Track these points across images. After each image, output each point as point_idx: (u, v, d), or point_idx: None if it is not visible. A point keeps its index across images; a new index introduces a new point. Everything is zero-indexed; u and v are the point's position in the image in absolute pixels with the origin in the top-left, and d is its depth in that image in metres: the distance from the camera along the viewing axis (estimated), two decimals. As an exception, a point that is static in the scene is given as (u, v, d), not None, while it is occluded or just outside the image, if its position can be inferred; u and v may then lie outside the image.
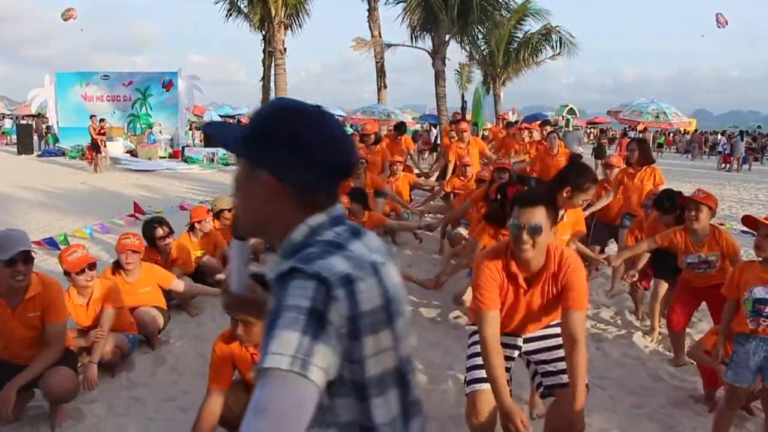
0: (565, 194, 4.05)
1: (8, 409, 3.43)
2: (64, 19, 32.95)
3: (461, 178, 8.43)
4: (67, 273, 4.39)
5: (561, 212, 4.25)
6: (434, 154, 24.62)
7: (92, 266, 4.44)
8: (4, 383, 3.52)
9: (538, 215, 2.84)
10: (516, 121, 14.18)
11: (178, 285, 5.43)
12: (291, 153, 1.27)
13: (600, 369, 4.76)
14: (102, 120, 20.16)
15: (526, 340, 3.28)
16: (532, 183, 4.94)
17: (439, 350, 5.12)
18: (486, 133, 15.75)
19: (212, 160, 22.12)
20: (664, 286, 5.41)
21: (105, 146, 19.86)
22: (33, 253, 3.59)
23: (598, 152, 21.97)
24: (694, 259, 4.63)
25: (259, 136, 1.29)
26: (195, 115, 35.96)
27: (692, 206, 4.51)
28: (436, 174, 12.06)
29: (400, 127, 12.48)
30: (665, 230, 5.30)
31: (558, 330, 3.14)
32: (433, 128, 28.07)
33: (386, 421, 1.29)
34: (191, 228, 6.63)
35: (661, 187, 6.26)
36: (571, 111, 49.81)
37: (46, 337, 3.67)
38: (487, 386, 2.98)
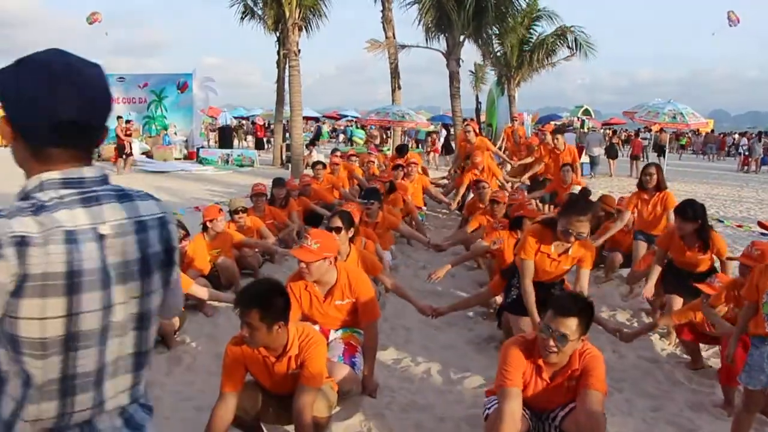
0: (562, 222, 4.24)
1: None
2: (89, 23, 33.47)
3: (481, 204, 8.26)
4: None
5: (568, 246, 4.46)
6: (446, 157, 24.59)
7: None
8: None
9: (570, 325, 3.00)
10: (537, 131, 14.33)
11: (196, 290, 5.43)
12: (9, 104, 1.37)
13: (616, 372, 4.72)
14: (128, 121, 20.20)
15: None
16: (558, 289, 4.87)
17: (454, 352, 5.11)
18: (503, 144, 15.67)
19: (227, 162, 22.20)
20: (678, 302, 5.32)
21: (131, 147, 19.93)
22: None
23: (610, 152, 21.86)
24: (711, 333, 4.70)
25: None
26: (209, 116, 36.11)
27: (705, 295, 4.49)
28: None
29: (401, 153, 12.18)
30: (678, 242, 5.40)
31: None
32: (444, 129, 28.03)
33: (41, 383, 1.33)
34: (204, 228, 6.65)
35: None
36: (587, 112, 49.51)
37: None
38: None
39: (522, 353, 3.16)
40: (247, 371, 3.29)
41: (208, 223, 6.59)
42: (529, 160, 11.44)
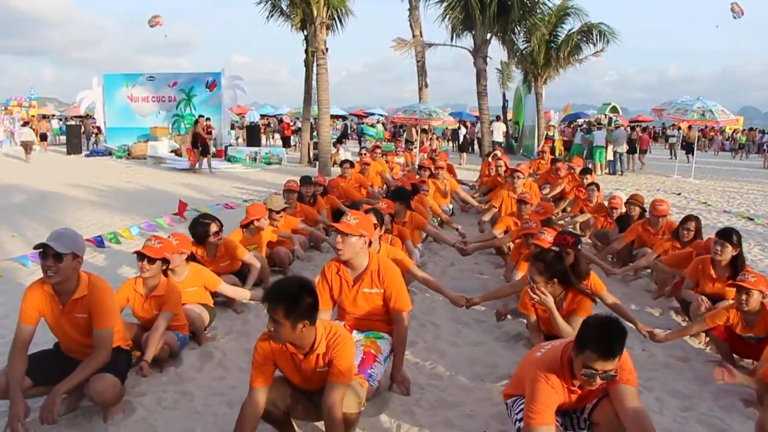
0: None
1: (53, 415, 3.47)
2: (151, 26, 34.58)
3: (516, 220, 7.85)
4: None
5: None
6: (463, 154, 24.49)
7: (151, 260, 4.58)
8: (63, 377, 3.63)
9: (615, 362, 2.92)
10: (559, 159, 14.19)
11: (225, 289, 5.51)
12: None
13: (646, 370, 4.69)
14: (209, 119, 20.42)
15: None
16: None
17: (483, 349, 5.11)
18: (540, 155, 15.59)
19: (255, 159, 22.38)
20: (706, 305, 5.30)
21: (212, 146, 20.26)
22: (64, 254, 3.58)
23: (631, 148, 21.64)
24: (744, 335, 4.67)
25: None
26: (237, 114, 36.38)
27: (743, 291, 4.49)
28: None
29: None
30: (708, 271, 5.46)
31: None
32: (463, 126, 27.86)
33: None
34: (247, 225, 6.78)
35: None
36: (614, 109, 49.07)
37: (94, 342, 3.74)
38: None
39: (554, 386, 3.05)
40: (276, 367, 3.32)
41: (255, 221, 6.73)
42: (558, 189, 11.32)
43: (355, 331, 4.22)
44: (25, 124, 29.38)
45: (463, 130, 26.87)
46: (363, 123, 35.64)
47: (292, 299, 3.04)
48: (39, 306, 3.71)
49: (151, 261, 4.57)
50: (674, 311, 6.17)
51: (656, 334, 4.81)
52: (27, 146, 23.13)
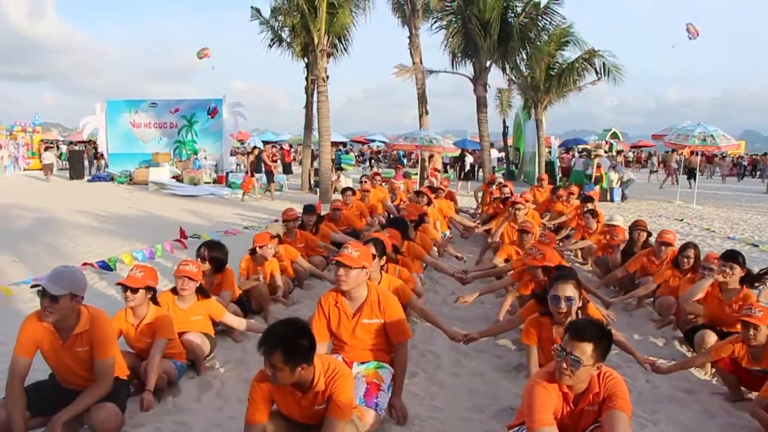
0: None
1: None
2: (200, 57, 35.29)
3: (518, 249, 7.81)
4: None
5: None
6: (468, 182, 24.52)
7: (134, 290, 4.53)
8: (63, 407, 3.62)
9: (585, 350, 3.06)
10: (559, 186, 14.19)
11: (229, 320, 5.47)
12: None
13: (650, 403, 4.62)
14: (274, 146, 20.69)
15: None
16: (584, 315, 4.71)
17: (483, 380, 5.06)
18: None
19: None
20: (711, 337, 5.26)
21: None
22: (60, 296, 3.59)
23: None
24: (751, 369, 4.63)
25: None
26: (239, 141, 36.54)
27: (750, 326, 4.46)
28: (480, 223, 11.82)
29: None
30: (716, 295, 5.44)
31: None
32: (469, 154, 27.87)
33: None
34: (253, 252, 6.93)
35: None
36: (615, 135, 49.25)
37: (95, 372, 3.77)
38: None
39: (548, 389, 3.15)
40: (273, 403, 3.32)
41: (258, 249, 6.84)
42: (563, 218, 11.31)
43: (354, 364, 4.19)
44: (48, 148, 31.51)
45: (469, 158, 26.79)
46: (340, 150, 35.56)
47: (289, 345, 3.03)
48: (37, 340, 3.71)
49: (134, 291, 4.53)
50: (678, 341, 6.10)
51: (658, 366, 4.75)
52: (48, 168, 25.26)
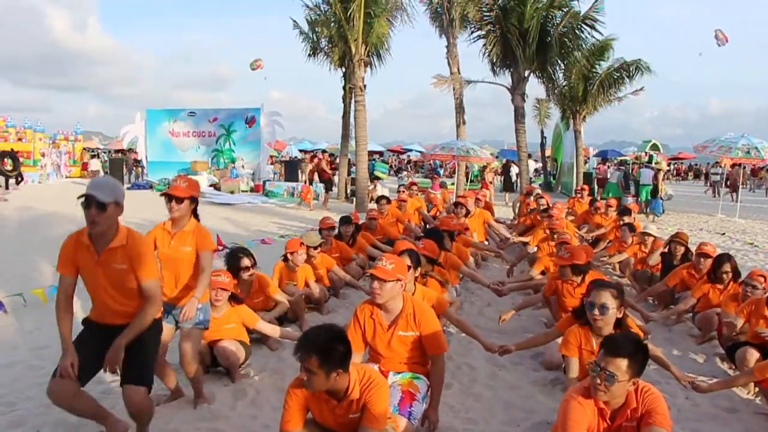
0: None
1: (119, 361, 3.52)
2: (252, 69, 35.91)
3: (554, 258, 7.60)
4: None
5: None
6: (506, 194, 24.39)
7: (179, 200, 4.44)
8: (98, 351, 3.57)
9: (620, 365, 3.03)
10: (597, 199, 13.97)
11: (262, 327, 5.48)
12: None
13: (691, 421, 4.50)
14: (332, 154, 20.94)
15: None
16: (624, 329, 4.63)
17: (519, 393, 4.99)
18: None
19: (292, 195, 22.52)
20: (753, 355, 5.09)
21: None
22: (107, 203, 3.52)
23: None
24: None
25: None
26: (276, 150, 36.88)
27: None
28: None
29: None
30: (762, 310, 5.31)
31: None
32: (515, 165, 27.62)
33: None
34: (285, 258, 6.94)
35: None
36: (655, 146, 48.62)
37: (145, 294, 3.69)
38: None
39: (583, 404, 3.12)
40: (308, 411, 3.31)
41: (289, 255, 6.84)
42: (601, 231, 11.19)
43: (390, 373, 4.15)
44: (93, 156, 33.16)
45: (515, 169, 26.44)
46: (374, 159, 35.62)
47: (325, 349, 3.02)
48: (73, 256, 3.67)
49: (179, 201, 4.43)
50: (719, 357, 5.95)
51: (698, 385, 4.61)
52: (94, 175, 26.06)
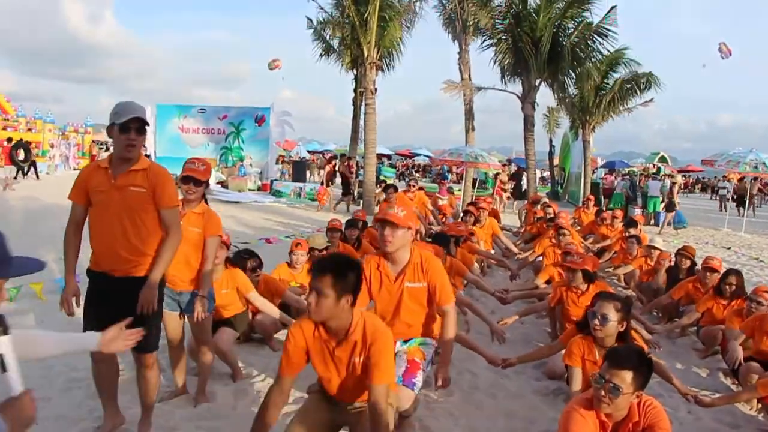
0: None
1: (153, 304, 3.53)
2: (270, 69, 36.01)
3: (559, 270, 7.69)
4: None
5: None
6: (515, 201, 24.34)
7: (198, 183, 4.38)
8: (108, 303, 3.52)
9: (624, 378, 3.01)
10: (603, 209, 13.89)
11: (255, 298, 5.40)
12: None
13: (692, 435, 4.51)
14: (350, 158, 20.88)
15: None
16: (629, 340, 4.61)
17: (521, 402, 4.99)
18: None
19: (299, 195, 22.56)
20: (757, 371, 5.08)
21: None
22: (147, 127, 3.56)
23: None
24: None
25: None
26: (284, 149, 36.94)
27: None
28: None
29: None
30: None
31: None
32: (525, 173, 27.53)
33: None
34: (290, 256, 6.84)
35: None
36: (663, 159, 48.58)
37: (164, 224, 3.62)
38: None
39: (584, 416, 3.10)
40: (307, 358, 3.16)
41: (292, 255, 6.75)
42: (608, 242, 11.17)
43: (398, 342, 4.02)
44: (105, 149, 32.96)
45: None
46: (382, 163, 35.61)
47: (340, 270, 2.92)
48: (86, 183, 3.62)
49: (198, 183, 4.39)
50: (722, 372, 5.94)
51: (701, 399, 4.60)
52: None
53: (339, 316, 2.98)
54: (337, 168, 21.70)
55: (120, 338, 2.59)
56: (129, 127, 3.44)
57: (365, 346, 3.05)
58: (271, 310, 5.58)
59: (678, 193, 19.89)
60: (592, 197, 15.79)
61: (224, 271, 5.22)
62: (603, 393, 3.03)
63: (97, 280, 3.64)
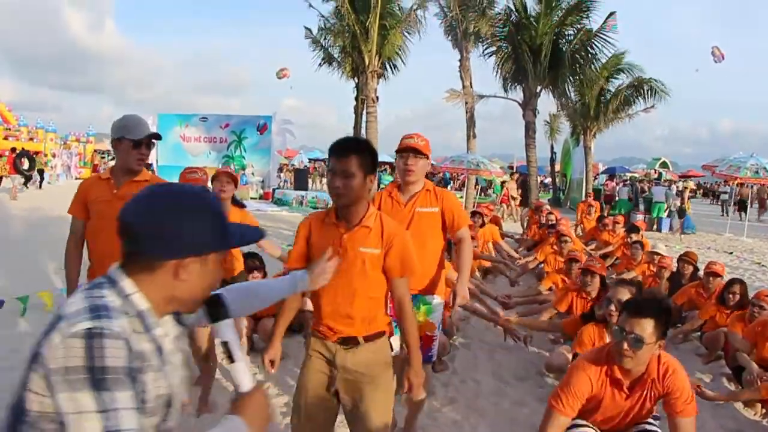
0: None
1: None
2: (279, 77, 35.98)
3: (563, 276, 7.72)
4: None
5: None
6: (520, 208, 24.38)
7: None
8: None
9: (646, 327, 2.84)
10: (604, 216, 13.82)
11: (261, 242, 5.33)
12: None
13: (695, 441, 4.49)
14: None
15: None
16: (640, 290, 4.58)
17: (524, 410, 4.98)
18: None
19: (301, 203, 22.59)
20: (761, 377, 5.09)
21: None
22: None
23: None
24: None
25: None
26: (286, 157, 37.00)
27: None
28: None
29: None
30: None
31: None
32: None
33: None
34: None
35: None
36: (664, 164, 48.58)
37: None
38: None
39: (595, 372, 3.00)
40: (308, 250, 2.92)
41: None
42: (609, 248, 11.17)
43: None
44: (113, 158, 31.45)
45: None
46: (383, 171, 35.59)
47: (363, 149, 2.76)
48: (85, 196, 3.67)
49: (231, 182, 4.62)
50: (726, 377, 5.94)
51: (704, 392, 4.62)
52: None
53: (365, 198, 2.80)
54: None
55: (327, 270, 2.49)
56: (142, 142, 3.53)
57: (381, 238, 2.80)
58: (274, 250, 5.64)
59: (688, 199, 19.84)
60: (596, 204, 15.78)
61: (232, 208, 4.99)
62: (626, 346, 2.85)
63: None
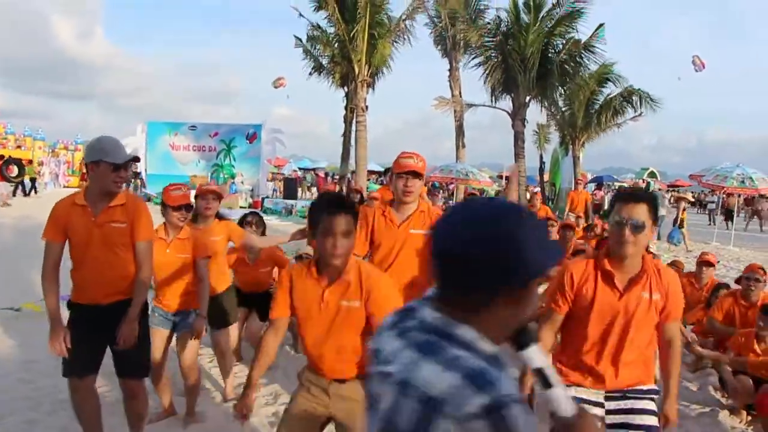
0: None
1: (134, 338, 3.52)
2: (275, 87, 35.80)
3: None
4: (164, 206, 4.35)
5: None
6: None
7: (189, 207, 4.40)
8: (94, 332, 3.55)
9: (642, 212, 2.82)
10: (592, 225, 13.83)
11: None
12: None
13: (682, 450, 4.52)
14: (334, 176, 20.83)
15: (608, 398, 3.05)
16: None
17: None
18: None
19: (290, 212, 22.56)
20: (747, 382, 5.11)
21: None
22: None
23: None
24: None
25: None
26: (275, 166, 36.93)
27: None
28: None
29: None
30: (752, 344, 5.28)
31: (643, 405, 3.02)
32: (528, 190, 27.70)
33: None
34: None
35: None
36: (652, 174, 48.82)
37: (137, 257, 3.60)
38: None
39: (576, 268, 3.01)
40: (291, 302, 2.89)
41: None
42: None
43: None
44: None
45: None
46: (370, 180, 35.57)
47: (350, 206, 2.74)
48: (64, 221, 3.56)
49: (189, 209, 4.43)
50: (713, 387, 5.97)
51: (693, 348, 4.73)
52: None
53: (351, 249, 2.78)
54: (342, 189, 21.70)
55: None
56: (119, 165, 3.47)
57: (360, 289, 2.79)
58: (279, 240, 5.64)
59: (684, 210, 19.84)
60: (599, 223, 15.72)
61: (215, 221, 5.05)
62: (628, 232, 2.81)
63: (84, 310, 3.62)
